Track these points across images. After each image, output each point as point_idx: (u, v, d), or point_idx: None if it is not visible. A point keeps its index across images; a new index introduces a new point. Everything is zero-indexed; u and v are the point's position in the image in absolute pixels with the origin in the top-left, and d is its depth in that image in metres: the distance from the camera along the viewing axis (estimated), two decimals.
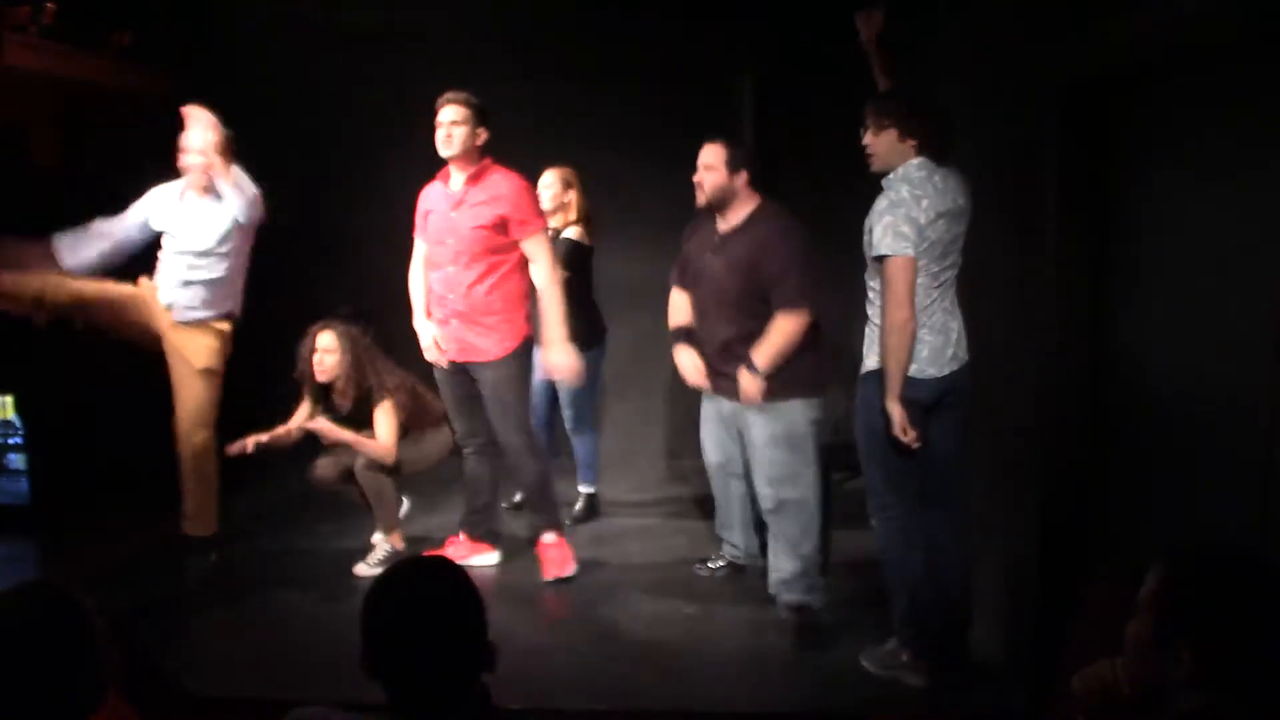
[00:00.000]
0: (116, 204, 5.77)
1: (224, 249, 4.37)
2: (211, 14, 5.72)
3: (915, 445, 3.11)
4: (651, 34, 5.74)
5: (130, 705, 2.05)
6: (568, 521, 4.85)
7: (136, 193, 5.79)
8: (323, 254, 5.37)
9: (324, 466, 4.45)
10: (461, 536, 4.46)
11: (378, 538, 4.46)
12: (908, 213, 3.11)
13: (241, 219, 4.27)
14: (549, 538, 4.25)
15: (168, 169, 5.76)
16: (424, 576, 1.68)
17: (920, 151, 3.21)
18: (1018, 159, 3.25)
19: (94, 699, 1.71)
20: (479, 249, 4.02)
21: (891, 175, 3.23)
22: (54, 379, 5.15)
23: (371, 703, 1.67)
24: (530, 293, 4.18)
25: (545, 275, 4.06)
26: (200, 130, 4.28)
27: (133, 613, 3.79)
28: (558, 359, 4.07)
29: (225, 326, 4.46)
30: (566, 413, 4.85)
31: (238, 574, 4.43)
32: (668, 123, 5.78)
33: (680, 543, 4.69)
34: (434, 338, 4.26)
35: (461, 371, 4.23)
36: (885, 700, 3.22)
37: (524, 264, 4.08)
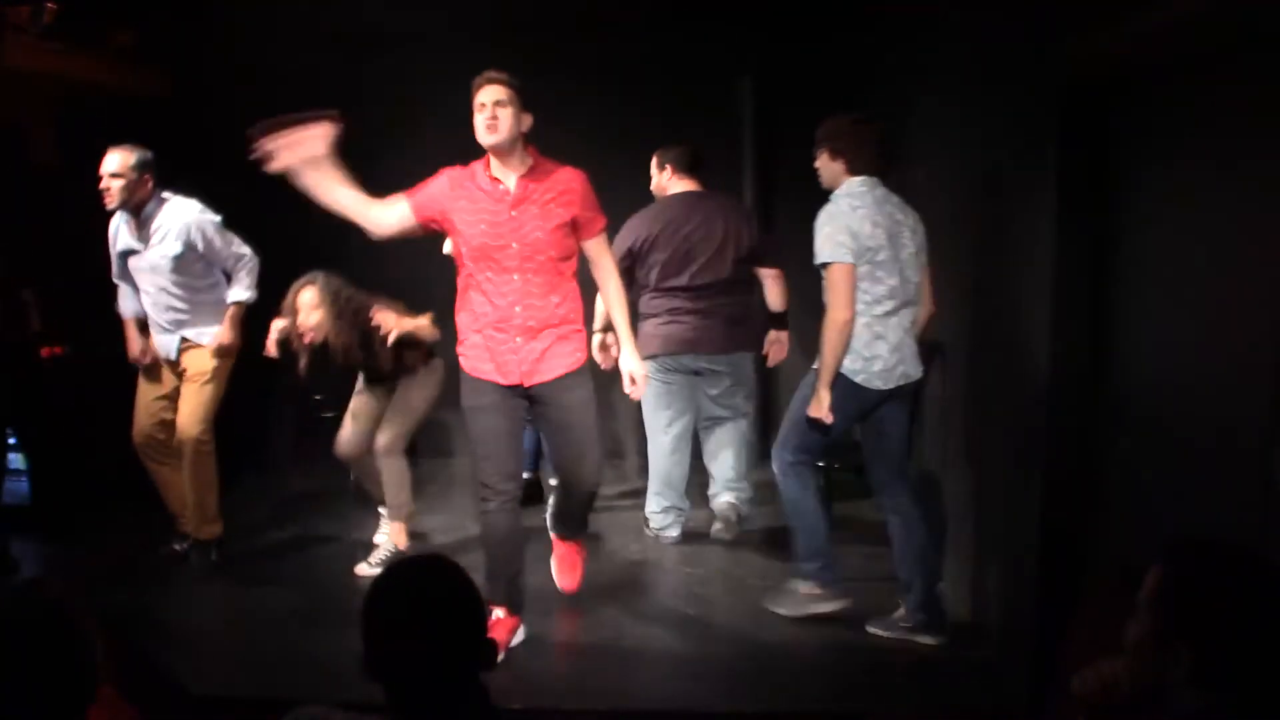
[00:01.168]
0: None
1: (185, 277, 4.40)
2: (211, 14, 5.72)
3: (829, 423, 3.58)
4: (652, 34, 5.74)
5: (130, 705, 2.06)
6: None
7: None
8: (322, 255, 5.35)
9: (348, 441, 4.41)
10: (501, 613, 3.61)
11: (380, 537, 4.46)
12: (845, 223, 3.48)
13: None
14: (572, 546, 4.09)
15: (167, 169, 5.76)
16: (422, 576, 1.68)
17: (854, 170, 3.58)
18: (1018, 159, 3.25)
19: (83, 698, 1.72)
20: (552, 253, 3.50)
21: (836, 191, 3.62)
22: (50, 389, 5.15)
23: (371, 703, 1.67)
24: None
25: (614, 278, 3.72)
26: (118, 156, 4.35)
27: (133, 613, 3.80)
28: (633, 366, 3.66)
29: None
30: None
31: (238, 574, 4.43)
32: (668, 123, 5.79)
33: (675, 538, 4.69)
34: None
35: (519, 398, 3.57)
36: (885, 700, 3.22)
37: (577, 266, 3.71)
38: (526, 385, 3.51)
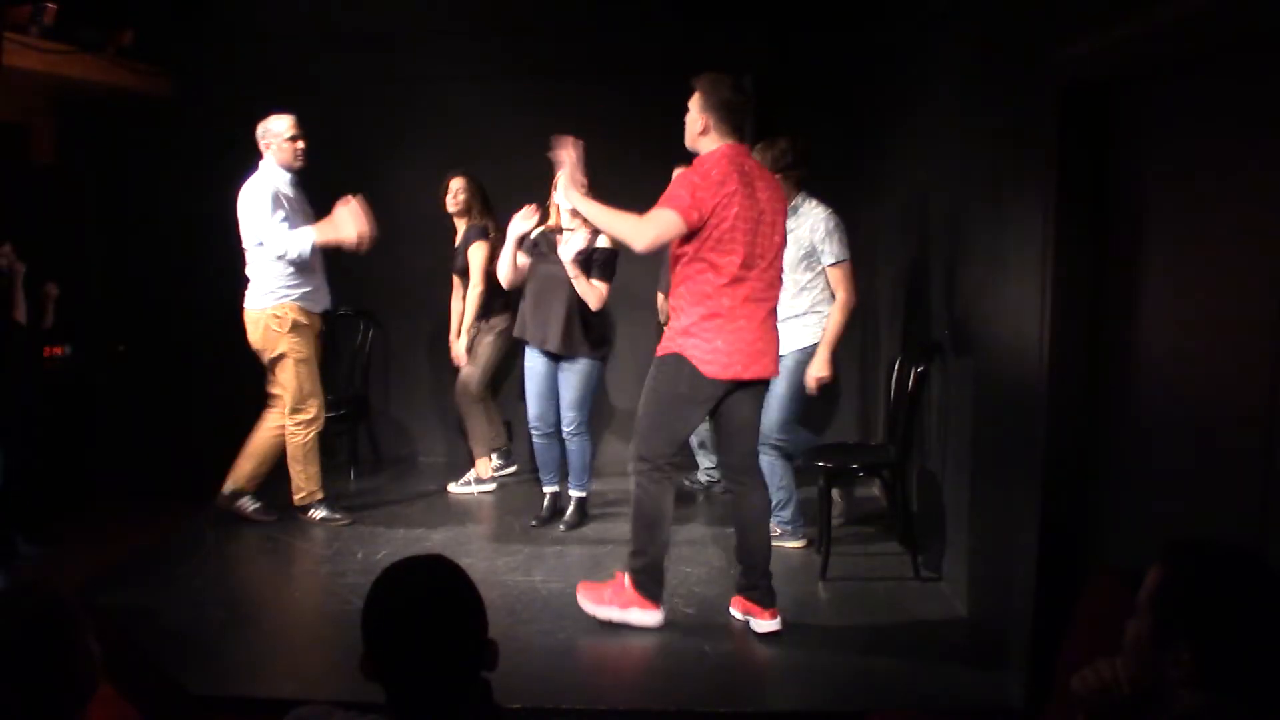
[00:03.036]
0: (115, 204, 5.79)
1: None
2: (211, 14, 5.72)
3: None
4: (652, 34, 5.74)
5: (130, 704, 2.06)
6: (562, 528, 4.90)
7: (135, 192, 5.81)
8: (323, 253, 5.36)
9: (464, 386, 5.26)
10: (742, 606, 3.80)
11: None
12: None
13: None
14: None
15: (167, 169, 5.77)
16: (423, 576, 1.68)
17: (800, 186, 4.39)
18: (1018, 159, 3.25)
19: (81, 696, 1.72)
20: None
21: (811, 201, 4.41)
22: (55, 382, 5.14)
23: (371, 702, 1.67)
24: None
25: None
26: None
27: (133, 613, 3.79)
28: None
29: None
30: (568, 415, 4.84)
31: (238, 574, 4.43)
32: (668, 123, 5.78)
33: (677, 541, 4.69)
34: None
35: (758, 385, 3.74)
36: (886, 699, 3.22)
37: None
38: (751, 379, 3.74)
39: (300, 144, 4.69)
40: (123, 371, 5.65)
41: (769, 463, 4.32)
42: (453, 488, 5.52)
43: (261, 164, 4.71)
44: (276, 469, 4.95)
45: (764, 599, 3.72)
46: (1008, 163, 3.37)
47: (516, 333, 4.93)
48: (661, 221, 3.51)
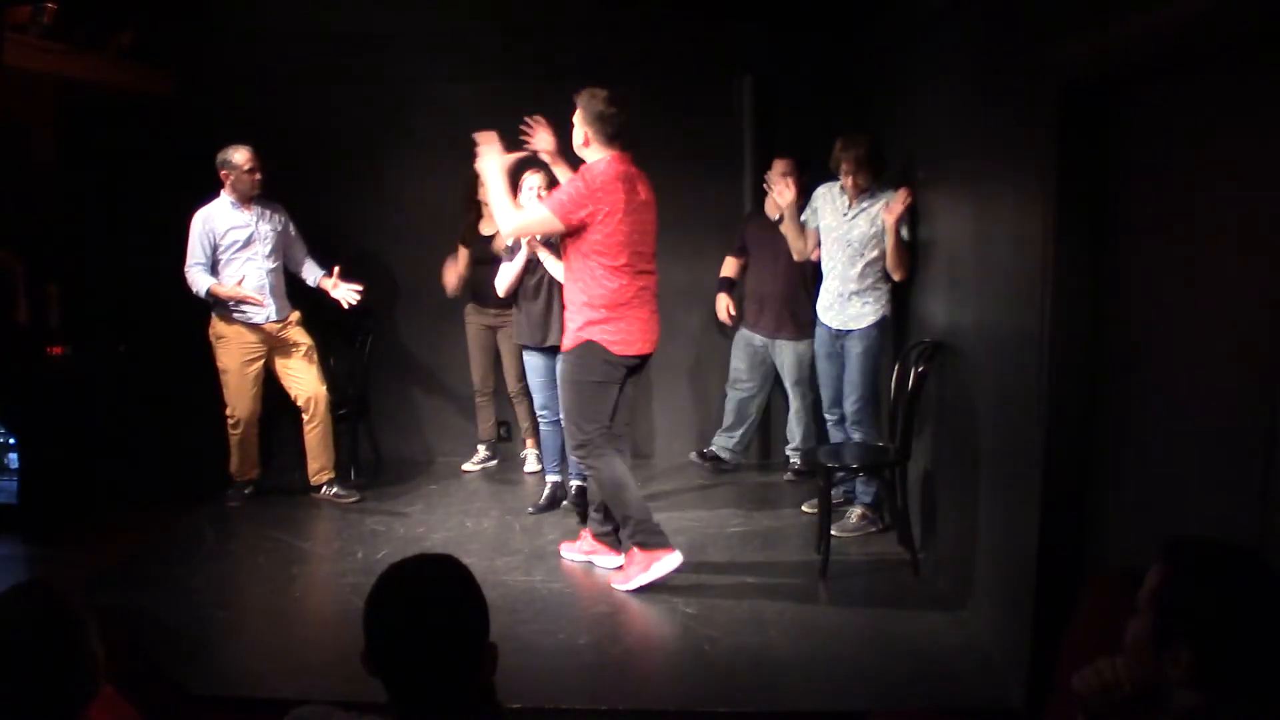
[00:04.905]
0: (115, 203, 5.79)
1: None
2: (211, 14, 5.72)
3: None
4: (652, 34, 5.74)
5: (130, 704, 2.06)
6: (531, 510, 5.11)
7: (135, 192, 5.81)
8: (323, 253, 5.37)
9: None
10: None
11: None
12: None
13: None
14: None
15: (167, 169, 5.77)
16: (426, 575, 1.68)
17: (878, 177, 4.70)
18: (1018, 159, 3.25)
19: (85, 695, 1.73)
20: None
21: (885, 191, 4.65)
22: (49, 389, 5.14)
23: (372, 702, 1.67)
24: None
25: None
26: None
27: (133, 613, 3.79)
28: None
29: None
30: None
31: (238, 574, 4.43)
32: (668, 123, 5.78)
33: (679, 541, 4.69)
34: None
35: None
36: (886, 699, 3.22)
37: None
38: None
39: (257, 175, 4.96)
40: (123, 371, 5.64)
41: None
42: (467, 466, 5.92)
43: (221, 193, 4.99)
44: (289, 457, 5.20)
45: (615, 543, 4.30)
46: (1008, 163, 3.37)
47: (516, 339, 5.09)
48: (535, 216, 4.10)
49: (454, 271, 5.57)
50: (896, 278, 4.65)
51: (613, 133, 4.02)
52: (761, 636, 3.70)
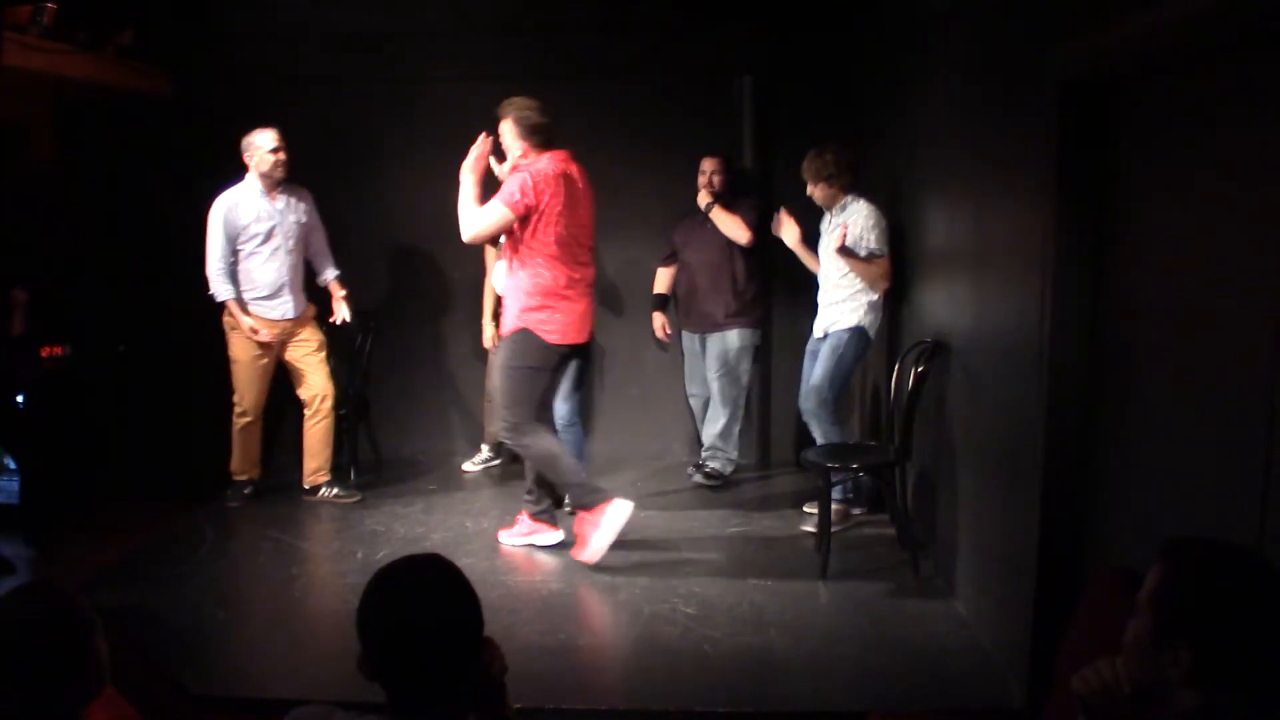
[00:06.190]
0: (115, 203, 5.79)
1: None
2: (211, 14, 5.72)
3: None
4: (652, 34, 5.74)
5: (130, 704, 2.06)
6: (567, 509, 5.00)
7: (135, 192, 5.81)
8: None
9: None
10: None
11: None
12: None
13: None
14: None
15: (167, 169, 5.77)
16: (420, 576, 1.68)
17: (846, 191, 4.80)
18: (1018, 159, 3.25)
19: (89, 696, 1.73)
20: None
21: (856, 203, 4.72)
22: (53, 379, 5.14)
23: (371, 702, 1.67)
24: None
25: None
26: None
27: (133, 613, 3.79)
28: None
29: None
30: (560, 407, 4.87)
31: (238, 574, 4.43)
32: (668, 122, 5.79)
33: (677, 541, 4.70)
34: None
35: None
36: (886, 699, 3.22)
37: None
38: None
39: (282, 155, 4.91)
40: (123, 371, 5.64)
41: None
42: (467, 466, 5.92)
43: (246, 176, 4.94)
44: (287, 455, 5.23)
45: (552, 519, 4.56)
46: (1008, 163, 3.37)
47: None
48: (489, 214, 4.20)
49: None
50: (874, 292, 4.66)
51: (548, 138, 4.25)
52: (761, 636, 3.70)
